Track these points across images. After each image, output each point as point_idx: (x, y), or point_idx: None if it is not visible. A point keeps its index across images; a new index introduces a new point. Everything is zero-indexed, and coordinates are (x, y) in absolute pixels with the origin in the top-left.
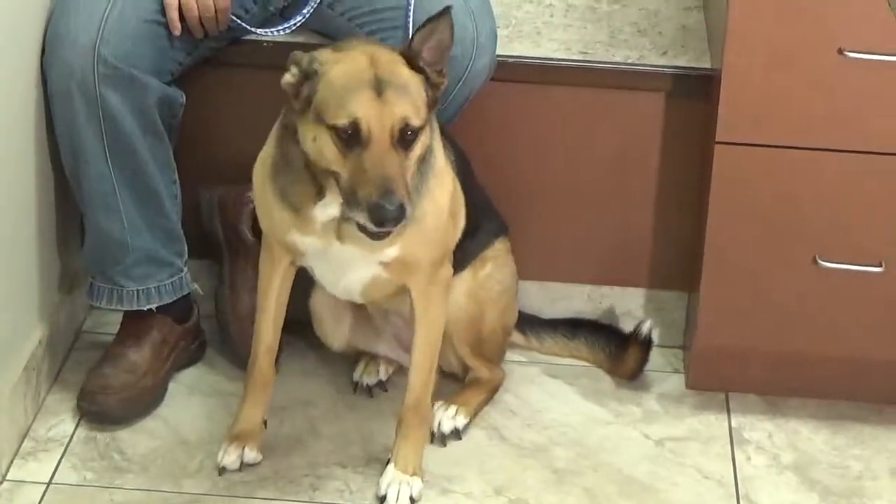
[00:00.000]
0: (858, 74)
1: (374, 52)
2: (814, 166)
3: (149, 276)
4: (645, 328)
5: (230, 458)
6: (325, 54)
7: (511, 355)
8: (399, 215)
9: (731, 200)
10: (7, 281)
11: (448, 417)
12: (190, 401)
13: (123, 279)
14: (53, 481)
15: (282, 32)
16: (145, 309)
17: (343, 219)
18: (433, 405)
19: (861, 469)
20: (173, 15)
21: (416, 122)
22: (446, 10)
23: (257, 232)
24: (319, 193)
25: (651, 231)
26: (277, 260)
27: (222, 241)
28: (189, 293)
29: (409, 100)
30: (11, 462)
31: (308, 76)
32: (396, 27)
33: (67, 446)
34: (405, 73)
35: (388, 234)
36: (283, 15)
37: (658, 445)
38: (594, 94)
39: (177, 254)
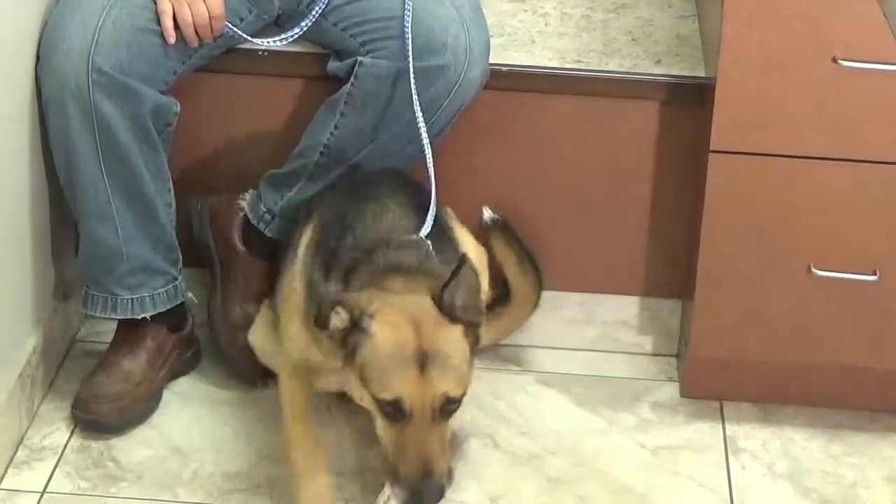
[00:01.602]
0: (853, 83)
1: (418, 317)
2: (808, 175)
3: (143, 285)
4: (485, 214)
5: None
6: (373, 306)
7: (505, 365)
8: (437, 499)
9: (725, 209)
10: (1, 289)
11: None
12: (184, 409)
13: (118, 287)
14: (48, 490)
15: (278, 43)
16: (139, 317)
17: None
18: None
19: (856, 477)
20: (168, 23)
21: (457, 393)
22: (463, 259)
23: (246, 241)
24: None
25: (645, 239)
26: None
27: (213, 249)
28: (183, 302)
29: (452, 373)
30: (6, 471)
31: (356, 325)
32: (389, 38)
33: (62, 455)
34: (448, 338)
35: None
36: (278, 23)
37: (652, 454)
38: (588, 103)
39: (171, 262)
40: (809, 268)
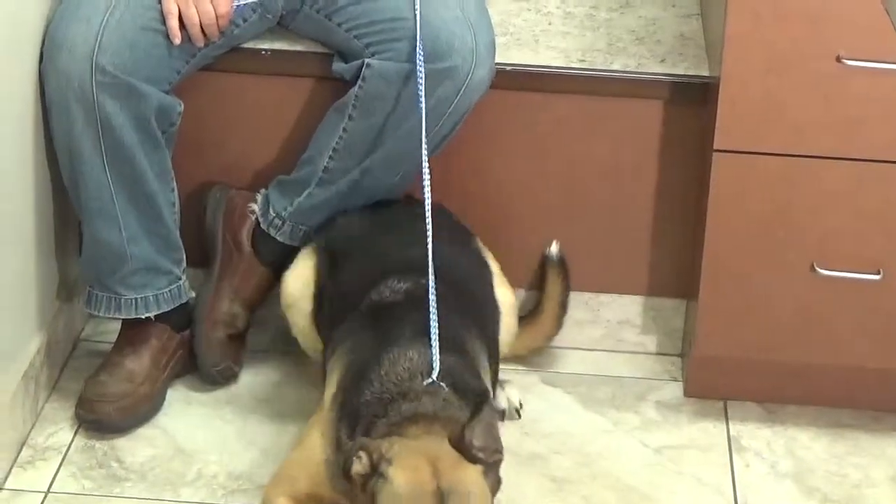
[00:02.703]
0: (857, 82)
1: (436, 458)
2: (812, 174)
3: (147, 285)
4: (553, 250)
5: None
6: (392, 450)
7: (509, 364)
8: None
9: (729, 208)
10: (5, 289)
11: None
12: (188, 409)
13: (121, 287)
14: (52, 490)
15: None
16: (143, 317)
17: None
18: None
19: (860, 477)
20: (173, 23)
21: None
22: (483, 397)
23: (254, 243)
24: None
25: (649, 239)
26: None
27: (219, 242)
28: (187, 301)
29: None
30: (10, 471)
31: (375, 470)
32: (395, 39)
33: (66, 455)
34: (467, 478)
35: None
36: (282, 23)
37: (656, 453)
38: (592, 102)
39: (175, 262)
40: (813, 267)
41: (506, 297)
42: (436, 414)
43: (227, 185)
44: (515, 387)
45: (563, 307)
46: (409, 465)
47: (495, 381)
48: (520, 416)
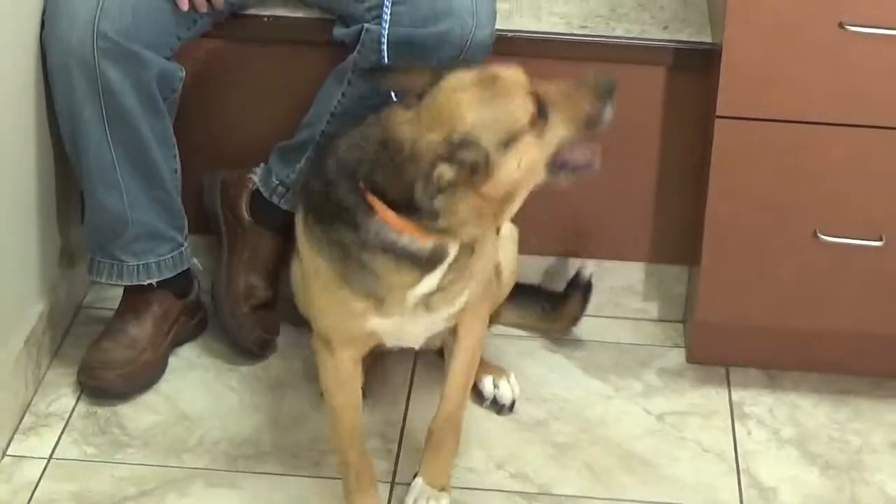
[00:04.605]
0: (859, 48)
1: (439, 88)
2: (814, 140)
3: (149, 251)
4: (586, 273)
5: None
6: (435, 130)
7: (510, 330)
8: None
9: (731, 175)
10: (7, 256)
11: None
12: (190, 376)
13: (123, 254)
14: (54, 456)
15: None
16: (145, 284)
17: (439, 288)
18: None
19: (861, 443)
20: None
21: None
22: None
23: (254, 213)
24: (429, 268)
25: (652, 205)
26: (343, 365)
27: (222, 222)
28: (189, 268)
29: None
30: (12, 437)
31: (457, 151)
32: (396, 3)
33: (68, 421)
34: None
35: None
36: None
37: (658, 420)
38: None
39: (177, 228)
40: (815, 233)
41: (507, 231)
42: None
43: (217, 168)
44: (515, 381)
45: (574, 323)
46: (445, 106)
47: None
48: (512, 411)
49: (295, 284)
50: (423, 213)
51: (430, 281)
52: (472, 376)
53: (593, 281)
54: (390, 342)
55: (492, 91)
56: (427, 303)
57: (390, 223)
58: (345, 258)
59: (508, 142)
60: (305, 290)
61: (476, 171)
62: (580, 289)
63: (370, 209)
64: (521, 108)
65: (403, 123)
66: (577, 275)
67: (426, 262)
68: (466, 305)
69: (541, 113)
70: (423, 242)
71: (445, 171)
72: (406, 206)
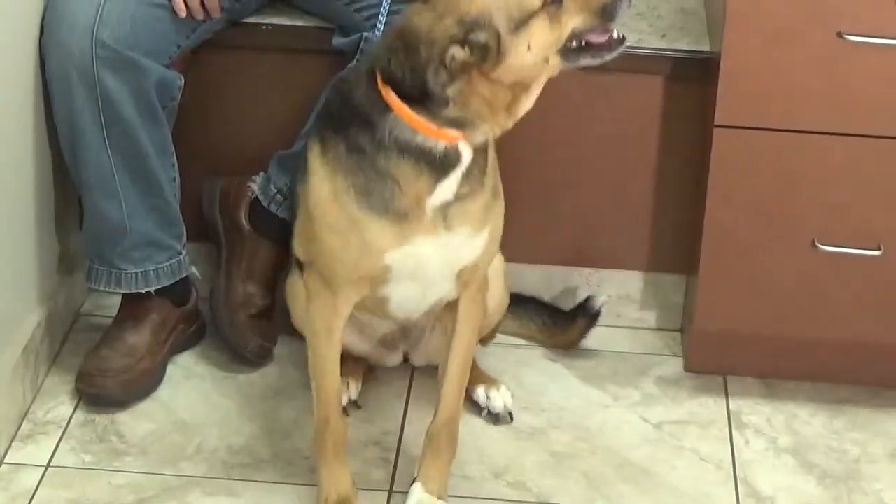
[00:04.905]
0: (858, 57)
1: None
2: (812, 149)
3: (147, 259)
4: (598, 302)
5: None
6: (446, 14)
7: (508, 339)
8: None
9: (729, 184)
10: (6, 263)
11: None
12: (188, 384)
13: (122, 262)
14: (52, 464)
15: None
16: (144, 292)
17: (456, 198)
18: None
19: (859, 452)
20: None
21: None
22: None
23: (252, 221)
24: (443, 174)
25: (650, 214)
26: (341, 307)
27: (221, 230)
28: (187, 276)
29: None
30: (10, 445)
31: (470, 32)
32: (394, 11)
33: (66, 429)
34: None
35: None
36: None
37: (656, 429)
38: (593, 78)
39: (175, 237)
40: (814, 242)
41: (497, 263)
42: None
43: (219, 175)
44: (506, 391)
45: (573, 346)
46: None
47: None
48: (511, 419)
49: (290, 297)
50: (435, 101)
51: (447, 187)
52: (466, 379)
53: (583, 287)
54: (401, 309)
55: None
56: (445, 216)
57: (404, 117)
58: (362, 167)
59: (520, 24)
60: (313, 229)
61: (488, 53)
62: (588, 316)
63: (386, 107)
64: None
65: (419, 13)
66: (588, 300)
67: (440, 165)
68: (477, 270)
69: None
70: (436, 140)
71: (457, 52)
72: (420, 101)
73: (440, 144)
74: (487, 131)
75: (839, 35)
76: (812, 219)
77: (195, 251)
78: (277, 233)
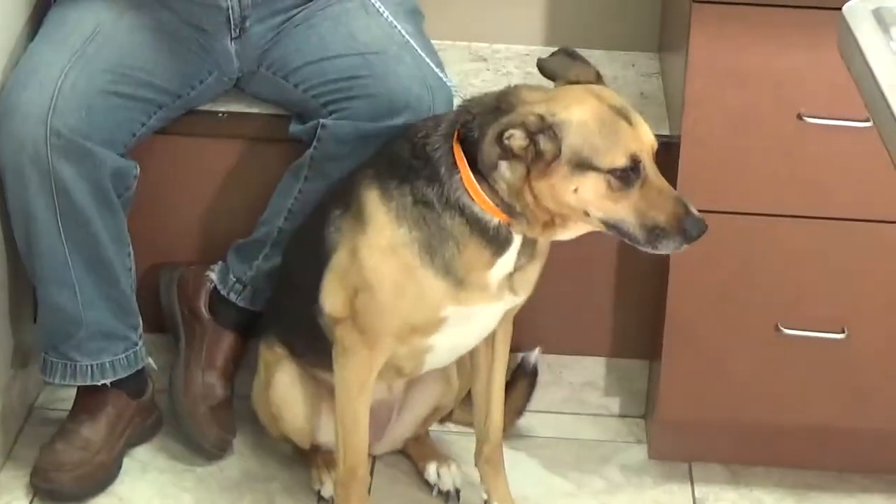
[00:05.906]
0: (818, 140)
1: (587, 87)
2: (774, 233)
3: (103, 351)
4: (532, 358)
5: None
6: (539, 105)
7: (472, 429)
8: (704, 227)
9: (691, 269)
10: None
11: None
12: (144, 477)
13: (77, 354)
14: None
15: None
16: (99, 384)
17: (516, 268)
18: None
19: None
20: None
21: (655, 140)
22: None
23: (212, 310)
24: (499, 250)
25: (612, 300)
26: (376, 363)
27: (179, 319)
28: (143, 367)
29: (647, 121)
30: None
31: (540, 131)
32: (351, 98)
33: None
34: (620, 95)
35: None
36: (238, 85)
37: None
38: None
39: (131, 327)
40: (777, 326)
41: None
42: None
43: (176, 264)
44: (456, 469)
45: (518, 415)
46: (574, 101)
47: None
48: (458, 500)
49: (256, 403)
50: (482, 162)
51: (506, 262)
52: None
53: (546, 374)
54: (442, 344)
55: (615, 123)
56: (509, 284)
57: (464, 180)
58: (427, 222)
59: (581, 165)
60: (364, 279)
61: (539, 159)
62: (526, 377)
63: (454, 165)
64: (615, 155)
65: (532, 90)
66: (522, 361)
67: (494, 239)
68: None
69: (624, 179)
70: (491, 215)
71: (519, 137)
72: (479, 168)
73: (494, 220)
74: (527, 230)
75: (799, 117)
76: (775, 303)
77: (151, 342)
78: (236, 322)
